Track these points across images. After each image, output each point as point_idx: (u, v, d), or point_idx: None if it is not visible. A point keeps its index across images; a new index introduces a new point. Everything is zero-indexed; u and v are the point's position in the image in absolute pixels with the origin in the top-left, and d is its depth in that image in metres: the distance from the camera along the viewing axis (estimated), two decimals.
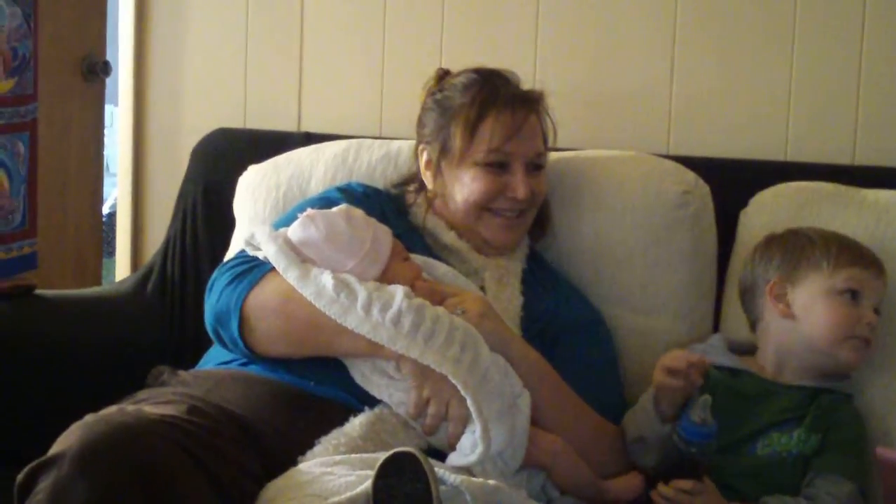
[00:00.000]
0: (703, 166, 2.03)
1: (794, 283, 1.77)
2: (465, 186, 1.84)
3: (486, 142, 1.82)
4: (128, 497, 1.29)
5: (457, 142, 1.84)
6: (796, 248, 1.79)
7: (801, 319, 1.75)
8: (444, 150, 1.86)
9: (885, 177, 2.01)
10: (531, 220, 1.91)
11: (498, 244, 1.87)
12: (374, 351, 1.56)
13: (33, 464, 1.32)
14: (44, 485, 1.29)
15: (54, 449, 1.32)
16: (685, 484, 1.57)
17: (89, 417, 1.36)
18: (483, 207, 1.84)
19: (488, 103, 1.84)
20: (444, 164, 1.87)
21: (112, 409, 1.40)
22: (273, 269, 1.63)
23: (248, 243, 1.71)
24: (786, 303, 1.77)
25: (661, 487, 1.59)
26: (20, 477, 1.33)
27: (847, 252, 1.76)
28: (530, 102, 1.87)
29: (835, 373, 1.75)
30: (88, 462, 1.28)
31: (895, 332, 1.82)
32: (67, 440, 1.32)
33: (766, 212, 1.94)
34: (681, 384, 1.65)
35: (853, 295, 1.73)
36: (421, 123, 1.93)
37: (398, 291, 1.56)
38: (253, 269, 1.67)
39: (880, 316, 1.76)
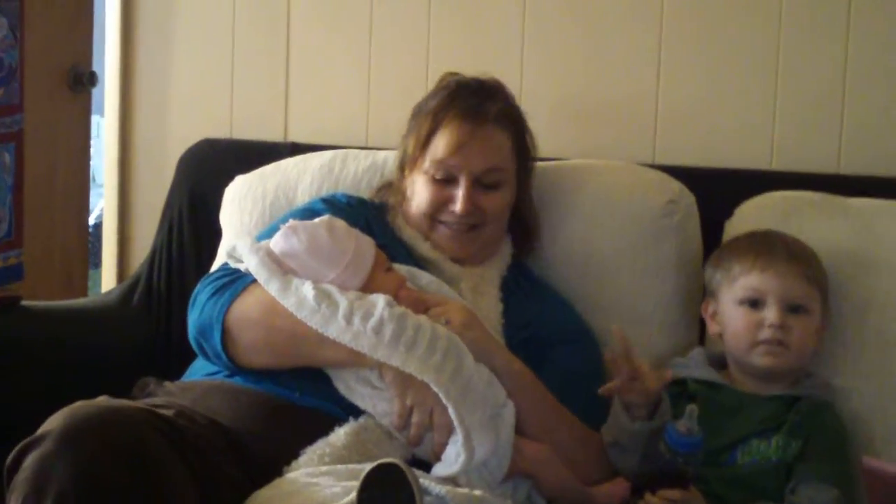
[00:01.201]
0: (688, 176, 2.03)
1: (716, 299, 1.80)
2: (414, 195, 1.86)
3: (432, 152, 1.83)
4: (111, 474, 1.30)
5: (410, 150, 1.86)
6: (718, 263, 1.81)
7: (723, 333, 1.79)
8: (403, 156, 1.89)
9: (870, 185, 2.02)
10: (491, 235, 1.89)
11: (450, 254, 1.86)
12: (356, 360, 1.56)
13: (21, 444, 1.34)
14: (28, 461, 1.31)
15: (41, 430, 1.34)
16: (673, 494, 1.57)
17: (77, 402, 1.38)
18: (431, 217, 1.85)
19: (441, 115, 1.83)
20: (406, 170, 1.89)
21: (100, 397, 1.42)
22: (255, 281, 1.63)
23: (231, 256, 1.72)
24: (716, 321, 1.80)
25: (649, 497, 1.59)
26: (9, 458, 1.34)
27: (744, 259, 1.76)
28: (483, 116, 1.83)
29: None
30: (72, 439, 1.30)
31: (880, 341, 1.83)
32: (53, 421, 1.34)
33: (751, 221, 1.94)
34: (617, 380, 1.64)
35: (753, 302, 1.74)
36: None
37: (379, 300, 1.57)
38: (235, 281, 1.67)
39: (807, 311, 1.74)
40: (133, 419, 1.36)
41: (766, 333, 1.72)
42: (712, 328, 1.81)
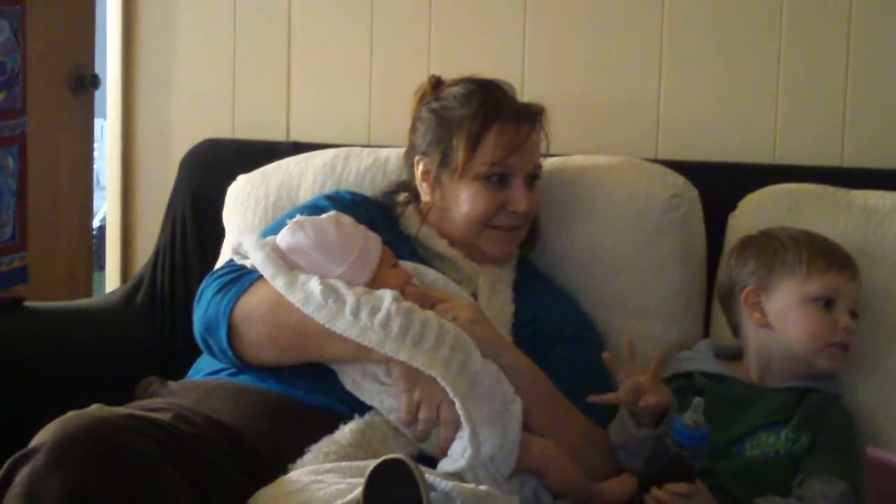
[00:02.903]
0: (691, 170, 2.03)
1: (767, 291, 1.76)
2: (466, 202, 1.84)
3: (488, 154, 1.82)
4: (102, 487, 1.29)
5: (459, 154, 1.82)
6: (769, 253, 1.78)
7: (777, 328, 1.75)
8: (444, 163, 1.85)
9: (873, 178, 2.01)
10: (525, 233, 1.91)
11: (497, 257, 1.87)
12: (363, 355, 1.56)
13: (12, 458, 1.33)
14: (20, 477, 1.30)
15: (33, 442, 1.34)
16: (679, 487, 1.56)
17: (69, 413, 1.37)
18: (485, 223, 1.84)
19: (491, 116, 1.83)
20: (444, 177, 1.86)
21: (93, 406, 1.41)
22: (261, 276, 1.63)
23: (236, 252, 1.72)
24: (761, 311, 1.76)
25: (655, 491, 1.58)
26: (1, 471, 1.34)
27: (820, 257, 1.74)
28: (533, 116, 1.87)
29: (817, 376, 1.75)
30: (63, 453, 1.30)
31: (884, 333, 1.83)
32: (45, 434, 1.33)
33: (755, 214, 1.94)
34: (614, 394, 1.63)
35: (827, 302, 1.72)
36: (416, 133, 1.92)
37: (386, 295, 1.56)
38: (241, 277, 1.67)
39: (858, 318, 1.75)
40: (125, 429, 1.36)
41: (840, 336, 1.71)
42: (752, 317, 1.77)
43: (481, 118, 1.83)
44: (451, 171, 1.84)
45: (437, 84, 1.94)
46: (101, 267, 2.74)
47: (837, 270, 1.74)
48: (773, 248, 1.78)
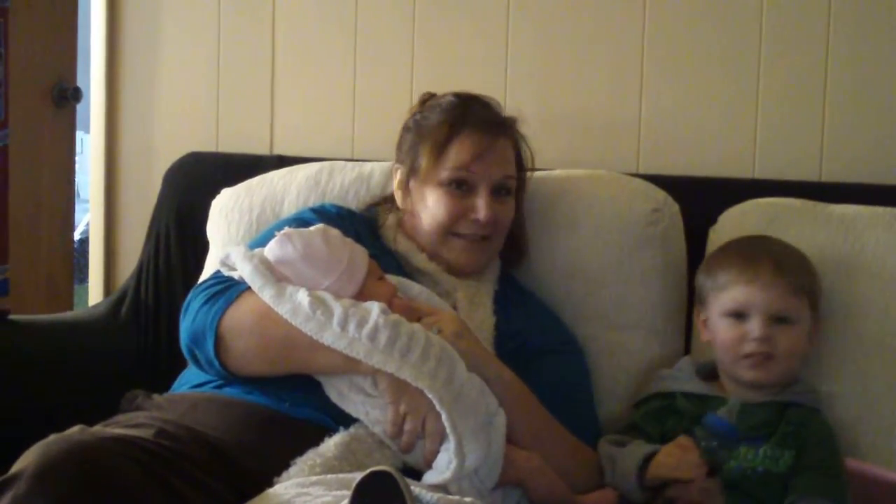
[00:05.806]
0: (672, 184, 2.05)
1: (704, 306, 1.80)
2: (429, 208, 1.85)
3: (451, 160, 1.83)
4: None
5: (424, 160, 1.85)
6: (709, 268, 1.80)
7: (712, 343, 1.78)
8: (412, 169, 1.88)
9: (851, 192, 2.03)
10: (497, 247, 1.92)
11: (461, 267, 1.87)
12: (350, 367, 1.56)
13: None
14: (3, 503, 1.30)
15: (14, 468, 1.33)
16: (708, 483, 1.59)
17: (51, 437, 1.37)
18: (447, 230, 1.85)
19: (458, 124, 1.85)
20: (412, 183, 1.88)
21: (74, 428, 1.41)
22: (249, 288, 1.63)
23: (224, 263, 1.72)
24: (706, 327, 1.80)
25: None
26: None
27: (736, 269, 1.74)
28: (500, 126, 1.88)
29: (753, 388, 1.75)
30: (45, 479, 1.29)
31: (862, 346, 1.84)
32: (26, 459, 1.33)
33: (735, 228, 1.95)
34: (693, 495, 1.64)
35: (737, 314, 1.73)
36: (399, 144, 1.95)
37: (374, 307, 1.57)
38: (228, 288, 1.67)
39: (791, 323, 1.73)
40: (107, 452, 1.35)
41: (750, 347, 1.71)
42: (703, 335, 1.81)
43: (448, 126, 1.85)
44: (417, 177, 1.87)
45: (427, 99, 1.96)
46: (83, 280, 2.73)
47: (745, 282, 1.72)
48: (711, 265, 1.81)
